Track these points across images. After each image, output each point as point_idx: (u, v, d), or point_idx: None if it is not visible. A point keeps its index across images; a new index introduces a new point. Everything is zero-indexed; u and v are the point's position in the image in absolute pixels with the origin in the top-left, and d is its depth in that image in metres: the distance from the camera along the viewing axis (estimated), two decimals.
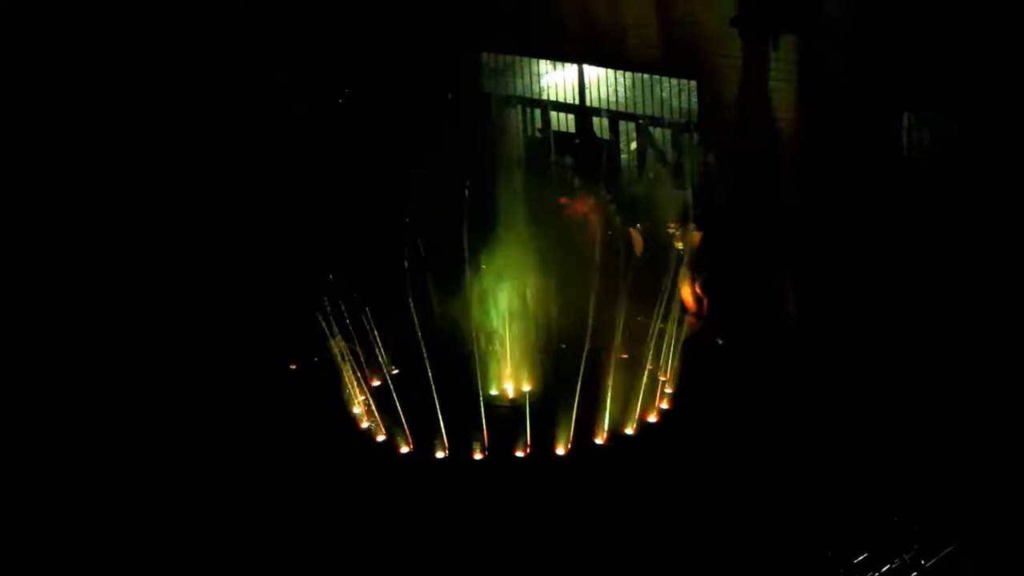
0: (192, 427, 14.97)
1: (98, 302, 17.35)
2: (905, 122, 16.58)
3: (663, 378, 15.22)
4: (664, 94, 18.77)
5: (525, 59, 19.73)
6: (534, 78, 19.87)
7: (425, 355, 14.81)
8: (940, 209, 15.96)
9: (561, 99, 19.78)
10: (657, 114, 18.83)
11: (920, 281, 15.99)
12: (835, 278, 16.76)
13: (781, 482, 13.60)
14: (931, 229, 16.05)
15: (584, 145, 19.17)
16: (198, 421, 15.04)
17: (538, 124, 19.97)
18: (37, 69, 19.27)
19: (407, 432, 14.34)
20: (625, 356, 15.15)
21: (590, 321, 14.93)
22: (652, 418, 14.75)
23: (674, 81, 18.60)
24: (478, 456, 14.09)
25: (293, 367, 15.69)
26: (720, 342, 16.21)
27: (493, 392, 14.92)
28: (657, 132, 18.86)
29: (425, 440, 14.24)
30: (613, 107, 19.24)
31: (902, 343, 15.48)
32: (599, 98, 19.34)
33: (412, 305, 14.84)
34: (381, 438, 14.54)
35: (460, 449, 14.13)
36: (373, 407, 14.79)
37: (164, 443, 14.72)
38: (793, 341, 16.30)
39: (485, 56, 19.93)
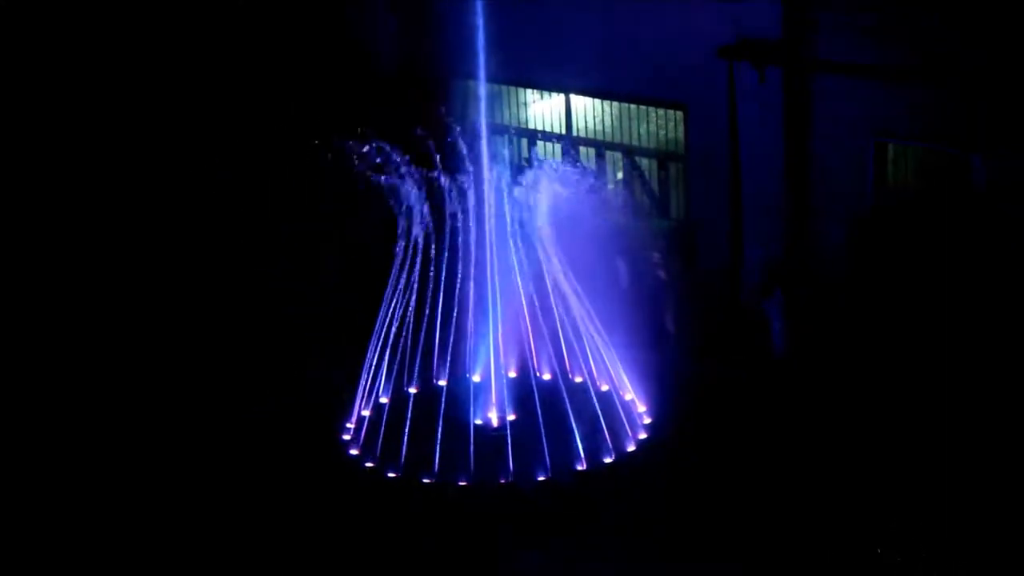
0: (181, 447, 15.08)
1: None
2: (890, 153, 16.67)
3: (641, 409, 15.30)
4: (651, 125, 18.79)
5: (511, 88, 19.72)
6: (520, 107, 19.89)
7: (414, 383, 15.02)
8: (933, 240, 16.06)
9: (547, 128, 19.79)
10: (644, 144, 18.85)
11: (917, 318, 16.03)
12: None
13: (763, 511, 13.61)
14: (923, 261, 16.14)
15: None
16: (188, 441, 15.15)
17: (524, 153, 19.96)
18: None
19: (395, 458, 14.39)
20: (605, 388, 15.24)
21: (572, 350, 15.10)
22: (630, 447, 14.81)
23: (661, 111, 18.63)
24: (463, 482, 14.15)
25: None
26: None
27: (478, 420, 14.95)
28: (643, 162, 18.89)
29: (412, 466, 14.29)
30: (599, 137, 19.25)
31: (890, 370, 15.54)
32: (586, 127, 19.35)
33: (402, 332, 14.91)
34: (369, 464, 14.59)
35: (446, 474, 14.18)
36: (362, 433, 14.85)
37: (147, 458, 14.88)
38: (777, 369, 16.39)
39: (471, 84, 19.87)
